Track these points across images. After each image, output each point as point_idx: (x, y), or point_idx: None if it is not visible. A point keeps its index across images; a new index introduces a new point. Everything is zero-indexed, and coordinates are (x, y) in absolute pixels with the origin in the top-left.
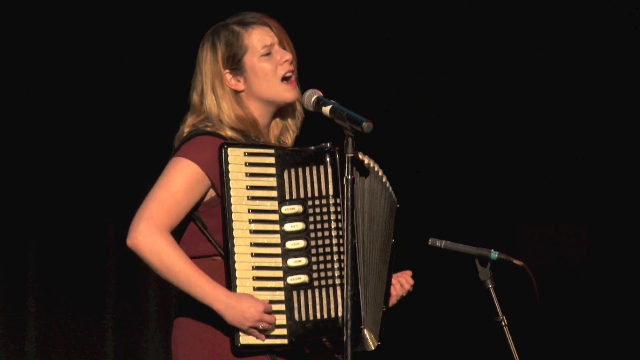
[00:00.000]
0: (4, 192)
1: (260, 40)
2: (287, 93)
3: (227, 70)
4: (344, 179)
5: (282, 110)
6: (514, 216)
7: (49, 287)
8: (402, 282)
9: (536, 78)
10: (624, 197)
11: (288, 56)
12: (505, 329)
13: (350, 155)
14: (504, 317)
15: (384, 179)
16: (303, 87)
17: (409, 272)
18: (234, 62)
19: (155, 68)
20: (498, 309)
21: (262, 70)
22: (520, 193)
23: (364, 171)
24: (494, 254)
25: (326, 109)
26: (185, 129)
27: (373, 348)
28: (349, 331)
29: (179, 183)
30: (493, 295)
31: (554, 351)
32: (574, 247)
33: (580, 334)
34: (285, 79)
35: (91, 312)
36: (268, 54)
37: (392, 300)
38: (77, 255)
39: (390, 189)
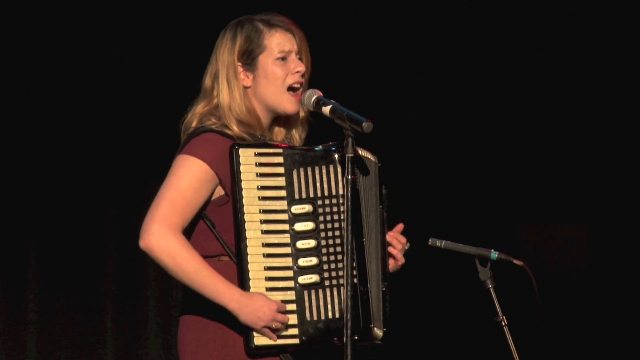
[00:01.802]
0: (4, 192)
1: (280, 44)
2: (288, 104)
3: (240, 64)
4: (344, 179)
5: (288, 120)
6: (514, 216)
7: (49, 287)
8: (396, 256)
9: (536, 78)
10: (624, 197)
11: (301, 67)
12: (505, 329)
13: (351, 155)
14: (504, 317)
15: (367, 155)
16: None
17: (399, 228)
18: (249, 58)
19: (155, 68)
20: (498, 309)
21: (273, 73)
22: (520, 193)
23: (364, 168)
24: (494, 254)
25: (326, 109)
26: (194, 120)
27: (381, 335)
28: (349, 331)
29: (188, 181)
30: (493, 295)
31: (554, 351)
32: (574, 247)
33: (581, 334)
34: (292, 89)
35: (91, 312)
36: (283, 59)
37: (392, 268)
38: (77, 255)
39: (369, 155)
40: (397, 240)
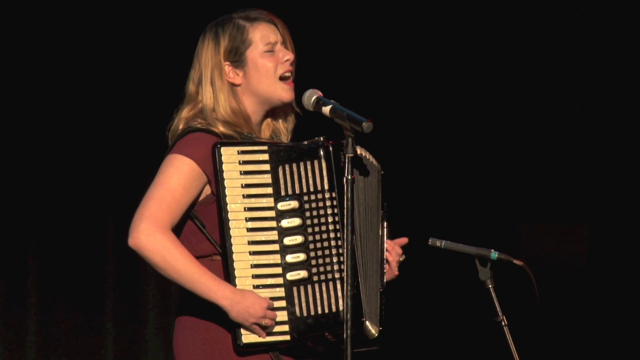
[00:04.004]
0: (3, 193)
1: (265, 37)
2: (284, 92)
3: (228, 63)
4: (344, 179)
5: (274, 113)
6: (514, 216)
7: (49, 287)
8: (390, 263)
9: (536, 78)
10: (624, 197)
11: (290, 56)
12: (505, 329)
13: (351, 155)
14: (504, 317)
15: (370, 158)
16: (303, 87)
17: (401, 240)
18: (236, 55)
19: (155, 68)
20: (498, 309)
21: (263, 66)
22: (520, 193)
23: (362, 167)
24: (494, 254)
25: (326, 109)
26: (180, 124)
27: (376, 335)
28: (349, 331)
29: (177, 180)
30: (493, 295)
31: (554, 351)
32: (574, 247)
33: (581, 334)
34: (283, 78)
35: (91, 312)
36: (271, 51)
37: (388, 276)
38: (77, 255)
39: (373, 160)
40: (394, 249)
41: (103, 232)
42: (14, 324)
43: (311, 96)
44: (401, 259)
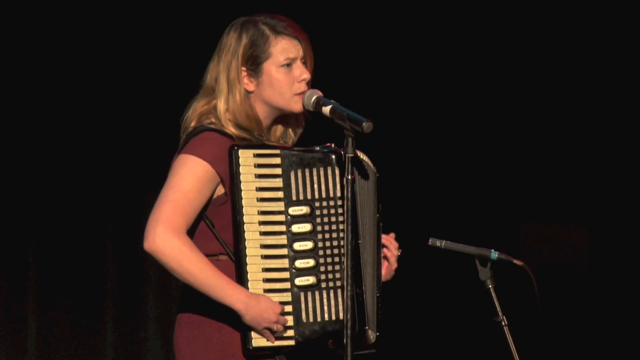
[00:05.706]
0: (4, 192)
1: (285, 52)
2: (296, 105)
3: (244, 68)
4: (344, 179)
5: (285, 117)
6: (514, 216)
7: (49, 287)
8: (389, 259)
9: (536, 78)
10: (624, 197)
11: (306, 75)
12: (505, 329)
13: (351, 155)
14: (504, 317)
15: (367, 160)
16: None
17: (392, 235)
18: (253, 64)
19: (156, 68)
20: (498, 309)
21: (277, 81)
22: (520, 193)
23: (363, 171)
24: (494, 254)
25: (326, 109)
26: (194, 119)
27: (373, 340)
28: (349, 331)
29: (190, 182)
30: (493, 295)
31: (554, 351)
32: (574, 247)
33: (580, 334)
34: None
35: (91, 312)
36: (288, 65)
37: (385, 273)
38: (77, 256)
39: (369, 162)
40: (392, 243)
41: (103, 232)
42: (14, 324)
43: (311, 96)
44: (398, 253)
